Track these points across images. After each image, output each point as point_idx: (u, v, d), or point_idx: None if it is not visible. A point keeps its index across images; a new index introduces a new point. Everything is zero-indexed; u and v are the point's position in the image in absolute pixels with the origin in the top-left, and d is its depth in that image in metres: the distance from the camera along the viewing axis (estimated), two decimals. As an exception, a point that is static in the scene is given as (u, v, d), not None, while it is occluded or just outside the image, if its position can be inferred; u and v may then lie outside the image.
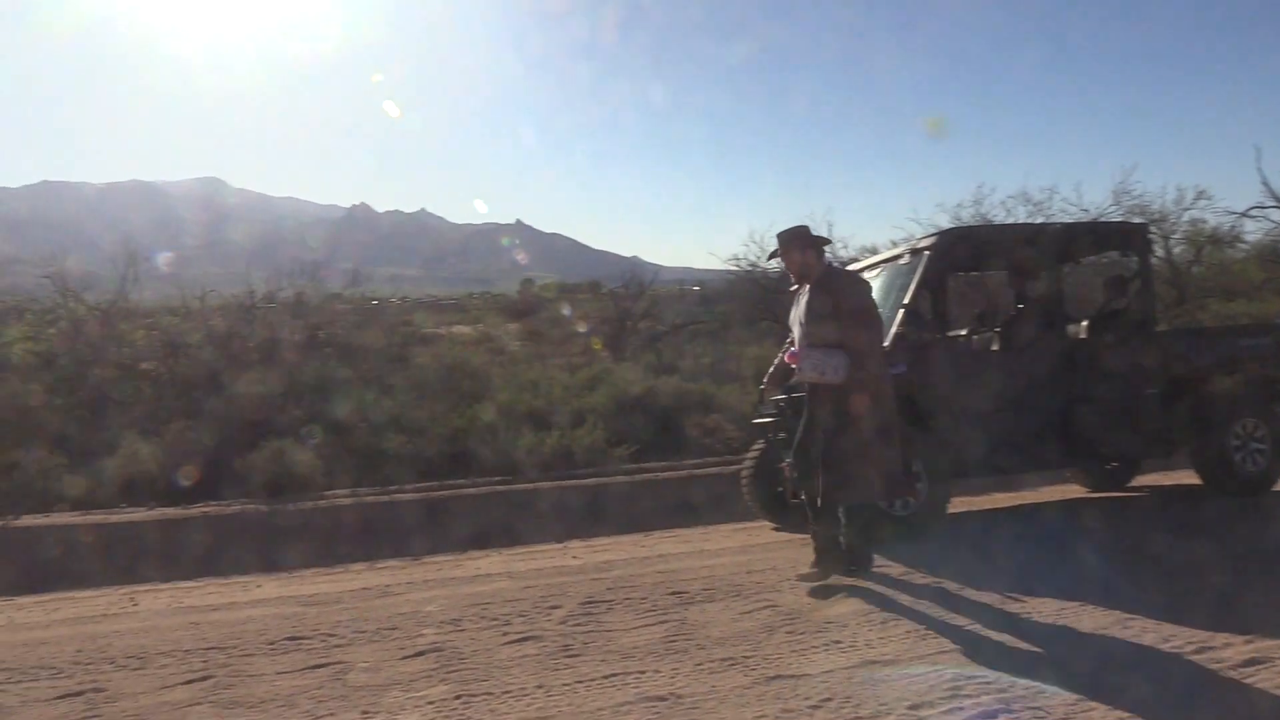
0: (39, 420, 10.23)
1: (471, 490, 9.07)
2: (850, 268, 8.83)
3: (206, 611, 5.94)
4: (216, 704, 4.11)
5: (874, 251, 13.56)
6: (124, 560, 7.75)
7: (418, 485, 9.20)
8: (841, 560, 5.62)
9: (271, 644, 4.99)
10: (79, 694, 4.37)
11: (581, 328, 18.40)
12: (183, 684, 4.42)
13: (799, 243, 5.68)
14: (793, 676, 3.95)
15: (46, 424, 10.20)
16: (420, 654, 4.65)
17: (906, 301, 6.97)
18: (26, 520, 8.34)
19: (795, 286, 5.83)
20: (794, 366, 5.72)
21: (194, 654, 4.88)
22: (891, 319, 7.01)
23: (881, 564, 5.86)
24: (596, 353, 15.12)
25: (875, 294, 7.45)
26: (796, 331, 5.74)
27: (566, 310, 20.92)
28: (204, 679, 4.46)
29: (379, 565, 7.36)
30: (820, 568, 5.64)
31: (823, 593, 5.43)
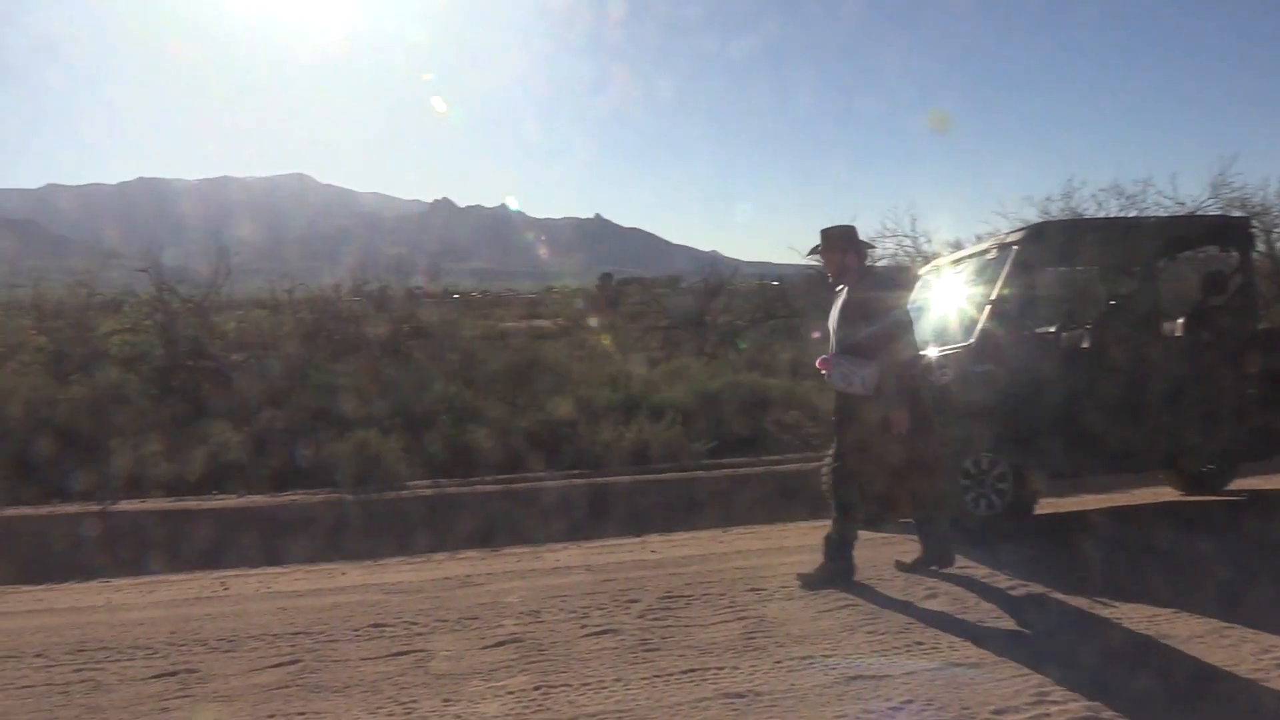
0: (135, 409, 10.57)
1: (550, 483, 9.13)
2: (935, 263, 8.66)
3: (294, 597, 6.09)
4: (303, 688, 4.21)
5: (958, 247, 13.31)
6: (215, 545, 7.99)
7: (498, 477, 9.30)
8: (847, 571, 5.58)
9: (356, 630, 5.09)
10: (173, 674, 4.52)
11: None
12: (271, 667, 4.54)
13: (840, 243, 5.63)
14: (873, 677, 3.91)
15: (142, 413, 10.54)
16: (500, 644, 4.70)
17: (994, 297, 6.82)
18: (124, 505, 8.64)
19: (838, 287, 5.75)
20: (824, 373, 5.64)
21: (282, 638, 5.00)
22: (978, 315, 6.88)
23: (966, 565, 5.76)
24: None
25: (961, 289, 7.32)
26: (831, 335, 5.68)
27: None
28: (292, 663, 4.58)
29: (460, 555, 7.46)
30: (820, 571, 5.61)
31: (810, 587, 5.47)
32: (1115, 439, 6.96)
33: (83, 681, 4.49)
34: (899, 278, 6.23)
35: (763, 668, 4.09)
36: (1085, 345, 7.31)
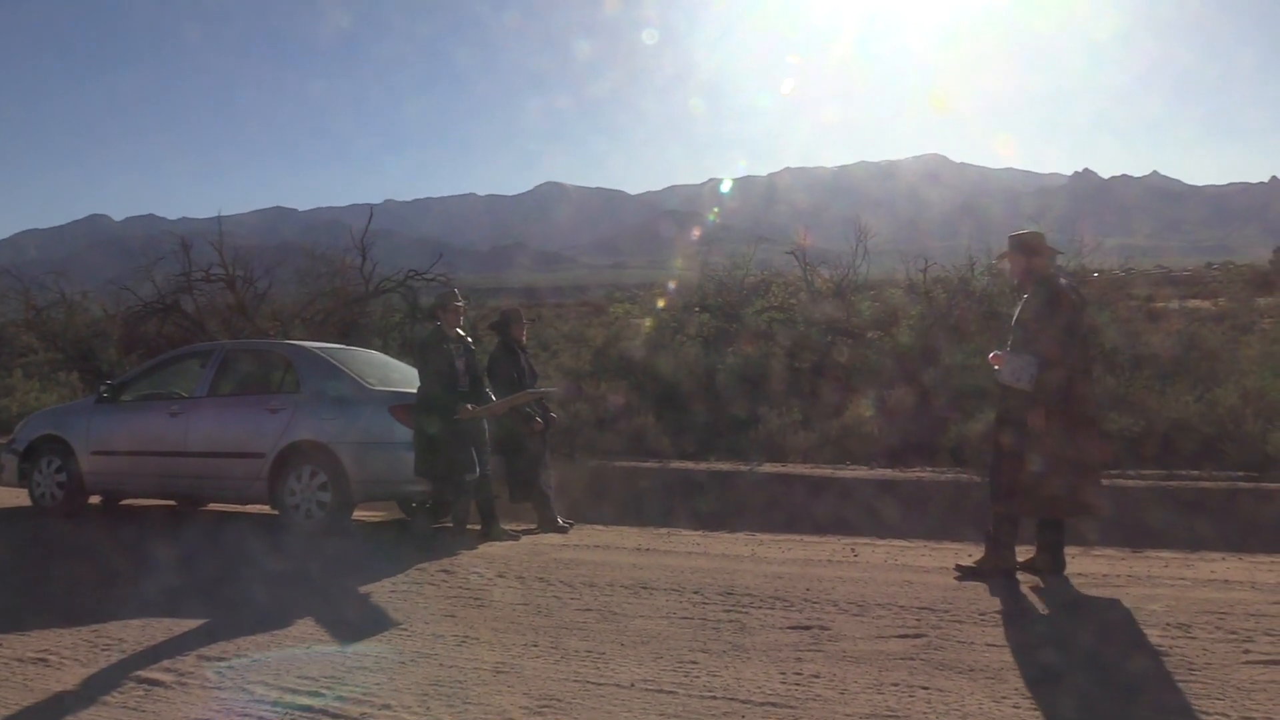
0: (779, 380, 11.46)
1: (1208, 484, 8.08)
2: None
3: (920, 572, 6.13)
4: (928, 663, 4.23)
5: None
6: (843, 511, 8.36)
7: (1141, 471, 8.47)
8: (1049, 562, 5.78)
9: (982, 614, 4.98)
10: (806, 628, 4.82)
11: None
12: (897, 637, 4.63)
13: (1021, 249, 5.94)
14: None
15: (784, 384, 11.39)
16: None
17: None
18: (766, 468, 9.45)
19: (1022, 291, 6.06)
20: (996, 368, 5.87)
21: (908, 611, 5.07)
22: None
23: None
24: None
25: None
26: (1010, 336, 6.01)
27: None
28: (916, 636, 4.62)
29: (1094, 552, 6.93)
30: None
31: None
32: None
33: (730, 621, 4.98)
34: (1079, 289, 6.45)
35: None
36: None
